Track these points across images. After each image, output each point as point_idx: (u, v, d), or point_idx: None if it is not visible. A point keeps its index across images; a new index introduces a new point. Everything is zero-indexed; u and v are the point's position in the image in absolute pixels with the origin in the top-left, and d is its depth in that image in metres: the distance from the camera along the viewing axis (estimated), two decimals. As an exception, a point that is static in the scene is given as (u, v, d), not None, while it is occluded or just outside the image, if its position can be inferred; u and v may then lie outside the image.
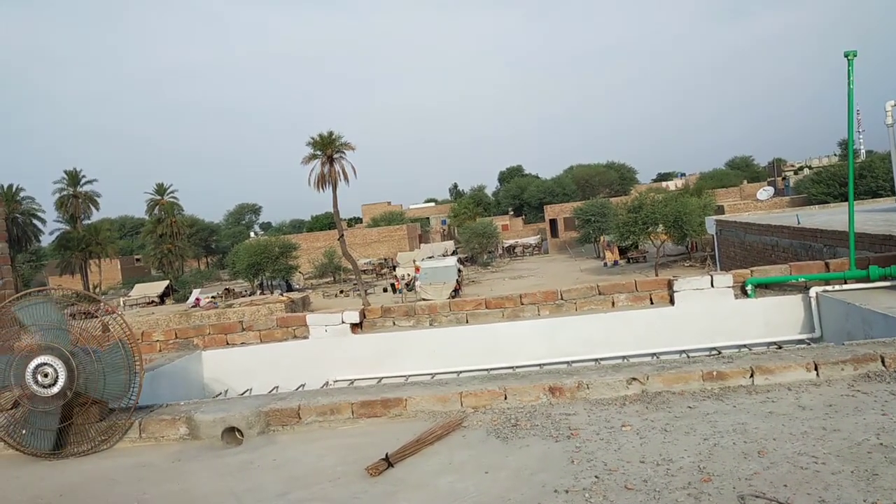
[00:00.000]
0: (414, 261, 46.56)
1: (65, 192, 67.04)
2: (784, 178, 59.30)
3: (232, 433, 4.08)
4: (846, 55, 5.53)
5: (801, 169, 75.87)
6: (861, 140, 61.11)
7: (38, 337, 4.13)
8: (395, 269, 52.03)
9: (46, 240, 71.51)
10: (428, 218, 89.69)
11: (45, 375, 3.97)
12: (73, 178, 67.42)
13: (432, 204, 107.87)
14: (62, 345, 4.06)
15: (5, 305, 4.40)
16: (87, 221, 68.95)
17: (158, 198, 71.70)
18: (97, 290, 63.24)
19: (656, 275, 30.16)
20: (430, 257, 48.54)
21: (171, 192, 72.58)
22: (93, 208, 69.55)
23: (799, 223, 14.11)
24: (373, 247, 67.66)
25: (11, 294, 6.08)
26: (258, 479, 3.43)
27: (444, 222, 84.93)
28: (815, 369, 3.85)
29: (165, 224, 70.00)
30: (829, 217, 15.68)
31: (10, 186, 62.57)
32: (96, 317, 4.44)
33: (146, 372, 4.42)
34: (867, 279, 5.88)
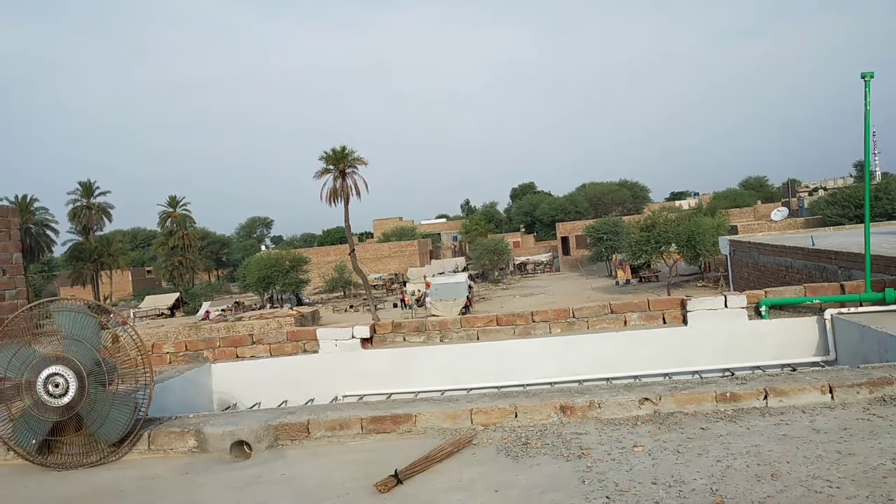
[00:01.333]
0: (424, 276, 46.55)
1: (78, 204, 67.64)
2: (798, 199, 59.04)
3: (241, 447, 4.07)
4: (863, 76, 5.50)
5: (815, 190, 75.50)
6: (877, 162, 60.91)
7: (62, 345, 4.14)
8: (405, 285, 52.04)
9: (59, 250, 72.24)
10: (439, 234, 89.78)
11: (56, 385, 3.97)
12: (87, 189, 68.01)
13: (444, 220, 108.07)
14: (82, 361, 4.06)
15: (21, 313, 4.42)
16: (99, 233, 69.51)
17: (171, 210, 72.19)
18: (108, 301, 63.58)
19: (668, 294, 29.98)
20: (440, 273, 48.54)
21: (184, 204, 73.10)
22: (105, 220, 70.18)
23: (813, 245, 14.02)
24: (384, 262, 67.74)
25: (24, 304, 6.11)
26: (266, 493, 3.41)
27: (455, 238, 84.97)
28: (830, 392, 3.81)
29: (177, 236, 70.44)
30: (844, 239, 15.58)
31: (25, 197, 63.16)
32: (107, 328, 4.45)
33: (156, 384, 4.41)
34: (883, 302, 5.82)
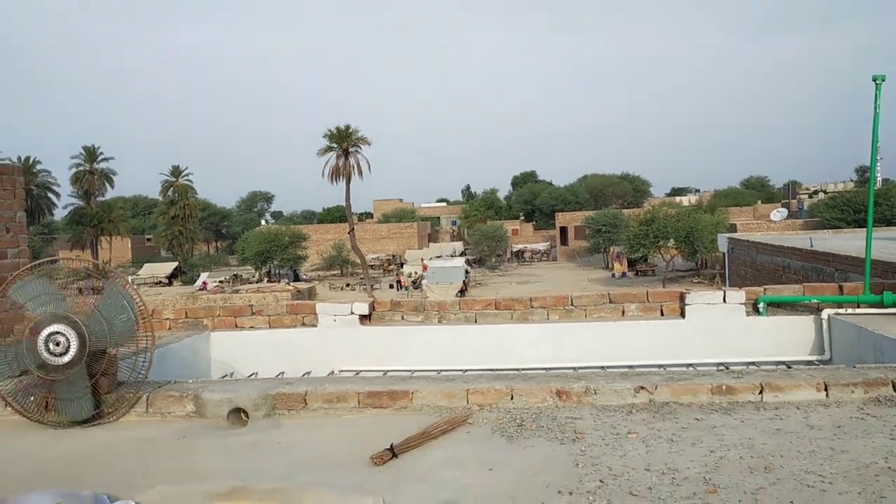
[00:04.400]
0: (422, 259, 46.58)
1: (81, 168, 67.45)
2: (798, 201, 59.04)
3: (238, 414, 4.10)
4: (874, 79, 5.50)
5: (815, 193, 75.58)
6: (879, 168, 60.81)
7: (42, 309, 4.15)
8: (402, 266, 52.09)
9: (59, 214, 72.10)
10: (438, 218, 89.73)
11: (58, 344, 3.99)
12: (91, 154, 67.79)
13: (444, 204, 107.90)
14: (65, 311, 4.08)
15: (24, 271, 4.43)
16: (101, 198, 69.34)
17: (173, 180, 71.99)
18: (107, 266, 63.55)
19: (664, 288, 30.12)
20: (438, 257, 48.59)
21: (186, 174, 72.88)
22: (108, 185, 70.01)
23: (812, 246, 14.05)
24: (382, 242, 67.73)
25: (27, 262, 6.12)
26: (263, 460, 3.45)
27: (454, 223, 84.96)
28: (826, 390, 3.84)
29: (178, 206, 70.28)
30: (843, 242, 15.62)
31: (28, 158, 63.03)
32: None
33: (156, 349, 4.43)
34: (881, 304, 5.85)
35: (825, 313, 5.98)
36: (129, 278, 54.35)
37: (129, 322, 4.19)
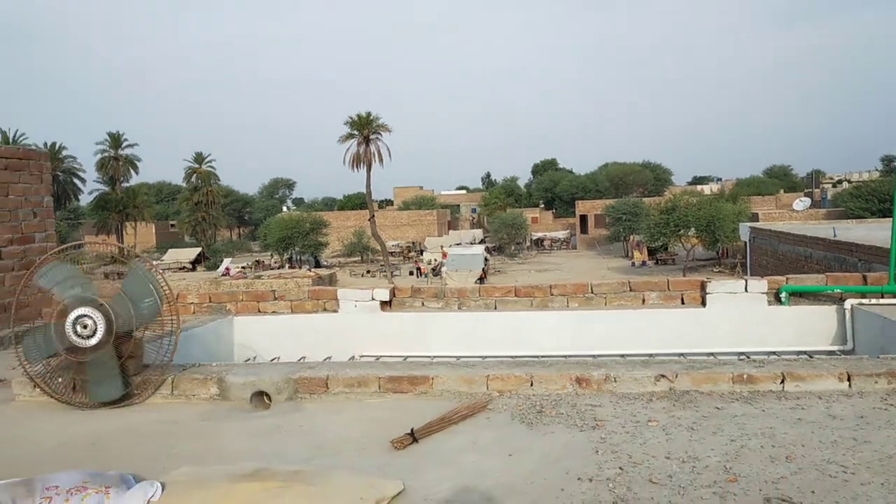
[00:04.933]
0: (442, 247, 46.61)
1: (106, 154, 68.05)
2: (822, 190, 58.30)
3: (260, 397, 4.15)
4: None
5: (839, 182, 74.47)
6: (906, 158, 59.79)
7: (69, 292, 4.22)
8: (422, 254, 52.16)
9: (85, 199, 72.84)
10: (458, 205, 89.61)
11: (85, 326, 4.05)
12: (116, 140, 68.36)
13: (464, 191, 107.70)
14: (92, 294, 4.14)
15: (51, 255, 4.50)
16: (125, 184, 69.96)
17: (196, 166, 72.45)
18: (132, 251, 64.16)
19: (685, 277, 29.91)
20: (457, 244, 48.57)
21: (210, 161, 73.32)
22: (132, 171, 70.60)
23: (835, 236, 13.91)
24: (402, 229, 67.82)
25: (54, 246, 6.22)
26: (285, 443, 3.49)
27: (474, 210, 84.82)
28: (848, 380, 3.82)
29: (201, 192, 70.76)
30: (867, 232, 15.44)
31: (54, 144, 63.63)
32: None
33: (181, 332, 4.49)
34: (906, 295, 5.79)
35: (848, 303, 5.92)
36: (154, 263, 54.98)
37: (153, 305, 4.24)
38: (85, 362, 4.15)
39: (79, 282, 4.31)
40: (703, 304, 6.23)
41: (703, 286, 6.29)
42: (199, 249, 61.07)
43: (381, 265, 49.70)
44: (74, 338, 4.07)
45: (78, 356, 4.11)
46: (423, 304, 6.69)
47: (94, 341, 4.07)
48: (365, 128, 50.44)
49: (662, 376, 3.98)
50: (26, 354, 4.30)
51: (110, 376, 4.13)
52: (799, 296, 6.20)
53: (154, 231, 79.84)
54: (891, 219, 6.00)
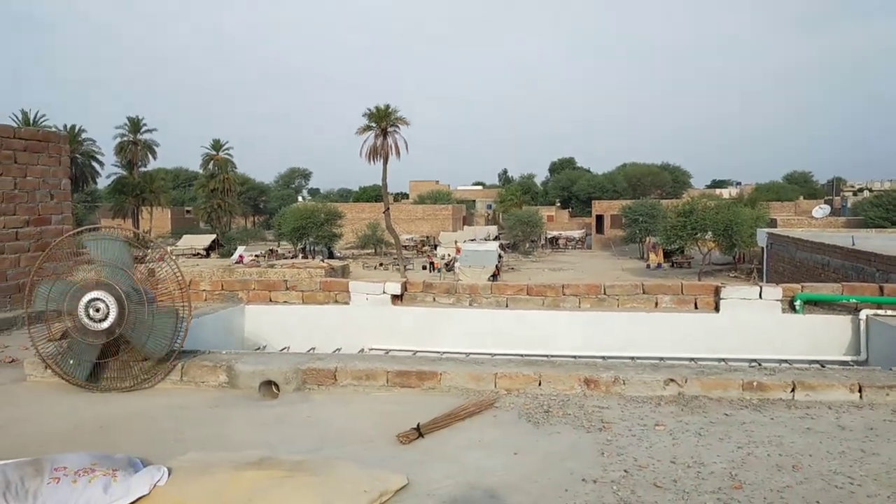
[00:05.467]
0: (456, 242, 46.60)
1: (125, 139, 68.49)
2: (842, 198, 57.77)
3: (269, 386, 4.17)
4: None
5: (860, 190, 73.74)
6: (928, 167, 59.11)
7: (97, 272, 4.25)
8: (436, 248, 52.15)
9: (102, 183, 73.37)
10: (474, 201, 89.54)
11: (97, 310, 4.09)
12: (135, 125, 68.79)
13: (480, 187, 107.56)
14: (119, 284, 4.17)
15: (66, 238, 4.54)
16: (143, 169, 70.39)
17: (214, 153, 72.76)
18: (147, 235, 64.64)
19: (699, 281, 29.73)
20: (472, 240, 48.53)
21: (227, 148, 73.62)
22: (150, 157, 71.03)
23: (854, 245, 13.77)
24: (416, 223, 67.84)
25: (70, 229, 6.27)
26: (291, 433, 3.51)
27: (489, 207, 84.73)
28: (859, 391, 3.79)
29: (218, 179, 71.06)
30: (886, 242, 15.28)
31: (73, 127, 64.07)
32: (146, 261, 4.56)
33: (192, 318, 4.51)
34: (922, 308, 5.72)
35: (863, 314, 5.86)
36: (169, 248, 55.33)
37: (166, 292, 4.28)
38: (96, 345, 4.19)
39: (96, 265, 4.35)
40: (717, 309, 6.18)
41: (716, 291, 6.25)
42: (213, 236, 61.37)
43: (395, 258, 49.75)
44: (87, 320, 4.10)
45: (89, 338, 4.14)
46: (434, 299, 6.69)
47: (105, 325, 4.11)
48: (383, 120, 50.44)
49: (672, 380, 3.96)
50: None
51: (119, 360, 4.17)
52: (814, 304, 6.14)
53: (170, 216, 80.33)
54: (910, 230, 5.94)
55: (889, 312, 5.81)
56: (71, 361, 4.29)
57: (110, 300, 4.09)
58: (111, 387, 4.24)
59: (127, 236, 4.64)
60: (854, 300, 6.00)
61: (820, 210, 39.74)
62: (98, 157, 68.00)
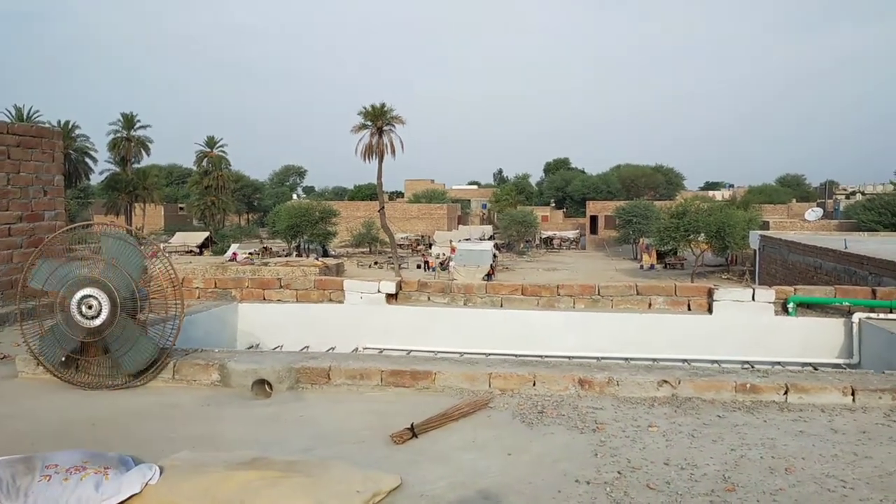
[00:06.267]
0: (451, 241, 46.58)
1: (119, 135, 68.21)
2: (835, 201, 57.97)
3: (262, 385, 4.16)
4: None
5: (853, 194, 73.98)
6: (921, 171, 59.34)
7: (101, 270, 4.22)
8: (430, 247, 52.13)
9: (95, 179, 73.11)
10: (469, 200, 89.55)
11: (90, 307, 4.06)
12: (129, 121, 68.52)
13: (475, 187, 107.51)
14: (119, 288, 4.14)
15: (59, 234, 4.51)
16: (136, 165, 70.15)
17: (208, 150, 72.56)
18: (140, 231, 64.48)
19: (692, 283, 29.80)
20: (466, 239, 48.52)
21: (221, 145, 73.42)
22: (144, 153, 70.75)
23: (846, 248, 13.82)
24: (411, 222, 67.84)
25: (63, 225, 6.24)
26: (284, 432, 3.50)
27: (484, 206, 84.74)
28: (852, 394, 3.79)
29: (212, 177, 70.88)
30: (878, 245, 15.35)
31: (67, 122, 63.83)
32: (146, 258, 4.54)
33: (185, 316, 4.49)
34: (915, 311, 5.74)
35: (856, 317, 5.88)
36: (162, 245, 55.14)
37: (139, 265, 4.26)
38: (89, 342, 4.17)
39: (89, 262, 4.32)
40: (710, 310, 6.20)
41: (710, 293, 6.26)
42: (206, 233, 61.23)
43: (389, 257, 49.72)
44: (79, 318, 4.08)
45: (73, 330, 4.12)
46: (429, 298, 6.69)
47: (97, 322, 4.09)
48: (379, 119, 50.39)
49: (665, 381, 3.97)
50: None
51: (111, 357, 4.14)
52: (807, 307, 6.16)
53: (163, 213, 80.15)
54: (903, 233, 5.96)
55: (882, 316, 5.83)
56: (63, 359, 4.26)
57: (105, 302, 4.06)
58: (103, 384, 4.22)
59: (128, 234, 4.62)
60: (847, 303, 6.02)
61: (812, 213, 39.77)
62: (91, 153, 67.77)
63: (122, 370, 4.21)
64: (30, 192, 6.42)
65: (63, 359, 4.26)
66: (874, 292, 6.04)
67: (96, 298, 4.05)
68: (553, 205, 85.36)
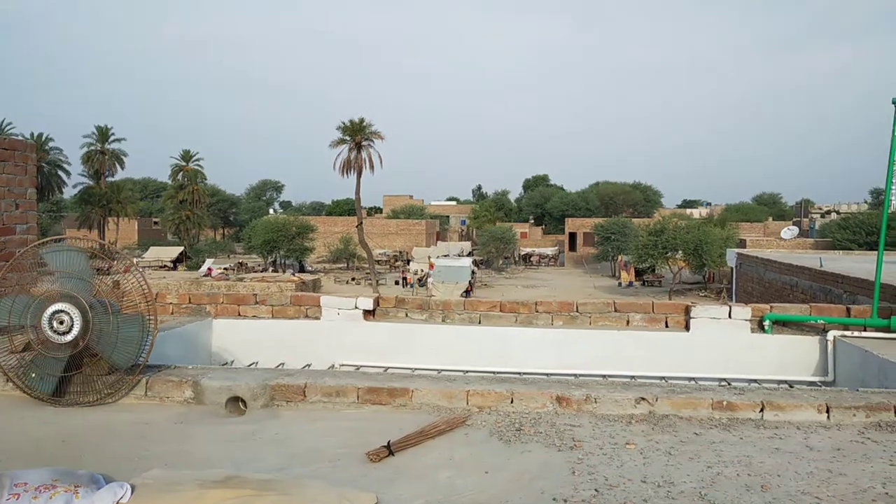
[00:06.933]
0: (429, 257, 46.52)
1: (93, 148, 67.51)
2: (810, 220, 58.74)
3: (236, 403, 4.10)
4: (894, 102, 5.46)
5: (828, 213, 75.19)
6: (894, 192, 60.49)
7: (60, 284, 4.16)
8: (409, 263, 52.04)
9: (69, 192, 72.27)
10: (448, 216, 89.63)
11: (61, 322, 4.00)
12: (103, 134, 67.85)
13: (454, 203, 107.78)
14: (82, 295, 4.08)
15: (30, 249, 4.44)
16: (110, 179, 69.40)
17: (183, 164, 71.98)
18: (113, 245, 63.73)
19: (670, 300, 29.97)
20: (445, 256, 48.52)
21: (197, 159, 72.86)
22: (118, 166, 70.03)
23: (822, 266, 13.98)
24: (390, 238, 67.72)
25: (35, 239, 6.14)
26: (258, 450, 3.44)
27: (463, 222, 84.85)
28: (827, 412, 3.82)
29: (187, 191, 70.28)
30: (853, 264, 15.52)
31: (40, 135, 63.15)
32: (111, 272, 4.48)
33: (158, 332, 4.43)
34: (888, 329, 5.81)
35: (831, 335, 5.94)
36: (135, 260, 54.55)
37: (132, 304, 4.20)
38: (61, 358, 4.09)
39: (61, 276, 4.26)
40: (687, 328, 6.23)
41: (687, 310, 6.29)
42: (181, 248, 60.71)
43: (367, 273, 49.56)
44: (50, 333, 4.01)
45: (52, 352, 4.05)
46: (406, 314, 6.66)
47: (69, 338, 4.02)
48: (357, 134, 50.35)
49: (643, 399, 3.97)
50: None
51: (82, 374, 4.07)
52: (782, 324, 6.21)
53: (136, 227, 79.39)
54: (877, 252, 6.04)
55: (856, 333, 5.89)
56: (33, 375, 4.18)
57: (74, 312, 4.00)
58: (74, 401, 4.14)
59: (88, 247, 4.55)
60: (822, 321, 6.08)
61: (788, 231, 40.33)
62: (64, 166, 67.04)
63: (118, 367, 4.17)
64: (1, 205, 6.31)
65: (34, 375, 4.18)
66: (849, 310, 6.10)
67: (66, 312, 3.98)
68: (532, 221, 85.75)
